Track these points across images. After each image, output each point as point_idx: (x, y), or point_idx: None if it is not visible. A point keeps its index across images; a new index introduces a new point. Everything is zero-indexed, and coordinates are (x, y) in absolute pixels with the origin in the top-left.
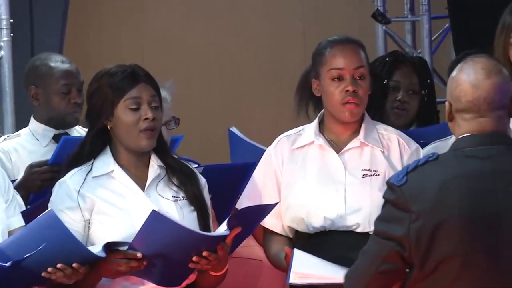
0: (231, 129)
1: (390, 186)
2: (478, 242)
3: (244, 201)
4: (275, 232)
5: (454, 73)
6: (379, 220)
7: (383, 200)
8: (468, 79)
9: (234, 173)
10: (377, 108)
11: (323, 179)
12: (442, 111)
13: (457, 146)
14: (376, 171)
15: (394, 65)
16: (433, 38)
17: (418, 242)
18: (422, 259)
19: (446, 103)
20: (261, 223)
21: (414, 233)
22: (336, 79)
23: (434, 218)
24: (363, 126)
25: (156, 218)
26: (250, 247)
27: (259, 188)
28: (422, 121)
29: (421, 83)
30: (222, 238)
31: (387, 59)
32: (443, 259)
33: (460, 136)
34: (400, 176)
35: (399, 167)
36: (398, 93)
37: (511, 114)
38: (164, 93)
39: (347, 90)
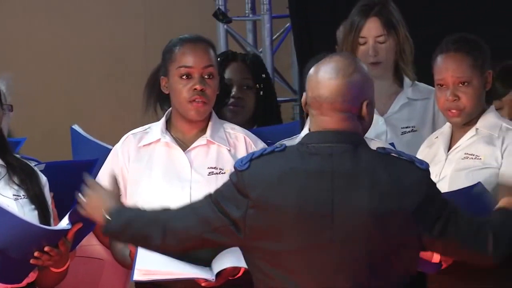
0: (73, 126)
1: (234, 169)
2: (311, 238)
3: None
4: None
5: (311, 70)
6: (221, 195)
7: None
8: (316, 75)
9: (77, 171)
10: (220, 107)
11: (169, 177)
12: (284, 110)
13: (304, 141)
14: (222, 169)
15: (224, 64)
16: (274, 38)
17: (252, 229)
18: (257, 246)
19: (304, 96)
20: None
21: (250, 220)
22: (184, 77)
23: (268, 209)
24: (210, 124)
25: None
26: (92, 246)
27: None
28: (260, 116)
29: (254, 77)
30: (63, 232)
31: (218, 59)
32: (274, 253)
33: (309, 132)
34: (244, 161)
35: None
36: (231, 90)
37: (362, 118)
38: None
39: (195, 89)
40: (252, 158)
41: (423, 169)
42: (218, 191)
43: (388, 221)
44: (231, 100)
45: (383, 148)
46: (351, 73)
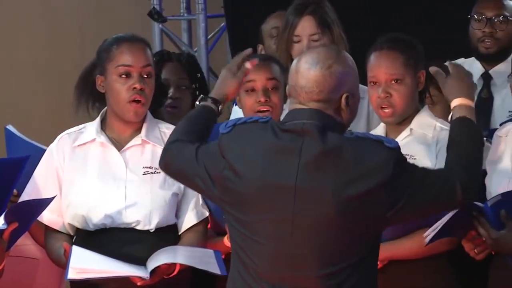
0: (7, 127)
1: (219, 130)
2: (273, 212)
3: (25, 199)
4: (56, 230)
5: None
6: (206, 149)
7: (163, 197)
8: (296, 65)
9: (7, 169)
10: (156, 107)
11: (104, 177)
12: None
13: (284, 119)
14: (157, 169)
15: (160, 64)
16: (209, 37)
17: (225, 190)
18: (227, 209)
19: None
20: (42, 221)
21: (224, 180)
22: (123, 76)
23: (236, 176)
24: (145, 124)
25: None
26: (26, 246)
27: (40, 185)
28: None
29: (190, 77)
30: None
31: (153, 59)
32: (242, 221)
33: (290, 110)
34: (228, 125)
35: None
36: (169, 90)
37: (340, 110)
38: None
39: (134, 88)
40: (236, 124)
41: (392, 147)
42: (204, 146)
43: (354, 201)
44: (169, 100)
45: (351, 132)
46: (330, 65)
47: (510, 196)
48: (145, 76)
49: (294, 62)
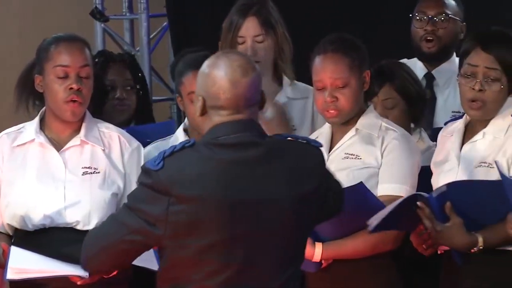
0: None
1: (147, 170)
2: (235, 227)
3: None
4: None
5: (207, 69)
6: (135, 199)
7: (103, 197)
8: (226, 77)
9: None
10: (97, 107)
11: (43, 177)
12: (161, 109)
13: (212, 135)
14: (97, 169)
15: (105, 64)
16: (151, 36)
17: (177, 225)
18: (181, 244)
19: (200, 98)
20: None
21: (173, 216)
22: (61, 76)
23: (193, 203)
24: (84, 124)
25: None
26: None
27: None
28: (139, 116)
29: (134, 78)
30: None
31: (97, 59)
32: (204, 248)
33: (214, 125)
34: (157, 161)
35: (119, 165)
36: (116, 92)
37: (261, 107)
38: None
39: (71, 88)
40: (164, 157)
41: (318, 147)
42: (131, 196)
43: (303, 203)
44: (116, 101)
45: (280, 134)
46: (254, 68)
47: (455, 187)
48: (83, 77)
49: (221, 76)
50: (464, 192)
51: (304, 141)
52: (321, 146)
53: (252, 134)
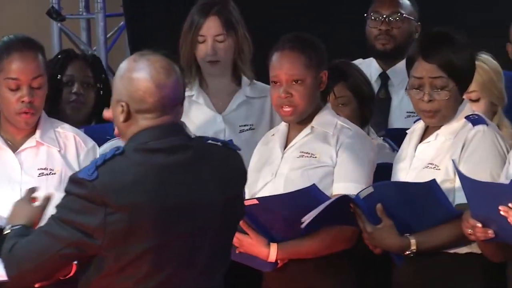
0: None
1: (80, 181)
2: (173, 231)
3: None
4: None
5: (127, 73)
6: (67, 210)
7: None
8: (151, 79)
9: None
10: (52, 107)
11: None
12: None
13: (141, 140)
14: (53, 170)
15: (66, 61)
16: (108, 36)
17: (115, 234)
18: (118, 252)
19: (122, 103)
20: None
21: (110, 226)
22: (12, 89)
23: (130, 211)
24: (39, 125)
25: None
26: None
27: None
28: (99, 115)
29: (95, 77)
30: None
31: (59, 56)
32: (140, 254)
33: (139, 131)
34: (90, 171)
35: (75, 165)
36: (73, 87)
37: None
38: None
39: (23, 101)
40: (97, 166)
41: (237, 150)
42: (61, 208)
43: (232, 206)
44: (73, 96)
45: (202, 137)
46: (174, 67)
47: (382, 188)
48: (35, 87)
49: (144, 78)
50: (392, 193)
51: (224, 145)
52: (239, 149)
53: (180, 137)
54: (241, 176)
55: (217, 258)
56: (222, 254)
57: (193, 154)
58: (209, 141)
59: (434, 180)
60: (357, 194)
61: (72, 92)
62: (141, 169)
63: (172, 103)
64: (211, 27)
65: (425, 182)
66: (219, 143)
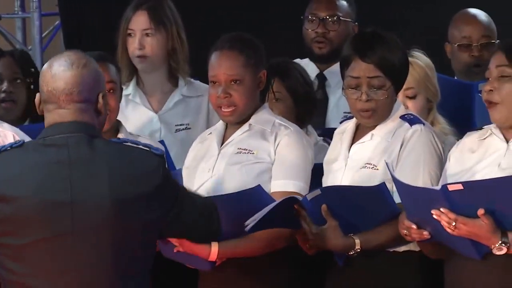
0: None
1: None
2: (52, 228)
3: None
4: None
5: (45, 66)
6: None
7: None
8: (50, 69)
9: None
10: None
11: None
12: None
13: (41, 135)
14: None
15: None
16: (43, 35)
17: None
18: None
19: (37, 94)
20: None
21: None
22: None
23: (10, 203)
24: None
25: None
26: None
27: None
28: (33, 112)
29: (24, 72)
30: None
31: None
32: (18, 247)
33: (48, 125)
34: None
35: None
36: (2, 85)
37: (98, 111)
38: None
39: None
40: None
41: (159, 154)
42: None
43: (128, 208)
44: (3, 94)
45: (118, 139)
46: (84, 65)
47: (329, 191)
48: None
49: (46, 68)
50: (339, 196)
51: (146, 148)
52: (163, 154)
53: (80, 135)
54: (152, 180)
55: (123, 261)
56: (128, 258)
57: (88, 153)
58: (126, 143)
59: (383, 184)
60: (305, 196)
61: (1, 91)
62: (28, 163)
63: (66, 97)
64: (139, 21)
65: (375, 186)
66: (140, 146)
